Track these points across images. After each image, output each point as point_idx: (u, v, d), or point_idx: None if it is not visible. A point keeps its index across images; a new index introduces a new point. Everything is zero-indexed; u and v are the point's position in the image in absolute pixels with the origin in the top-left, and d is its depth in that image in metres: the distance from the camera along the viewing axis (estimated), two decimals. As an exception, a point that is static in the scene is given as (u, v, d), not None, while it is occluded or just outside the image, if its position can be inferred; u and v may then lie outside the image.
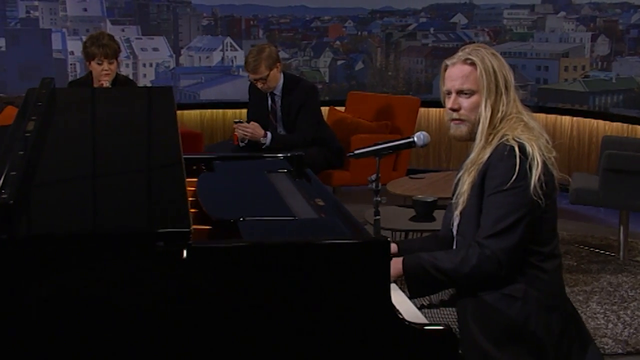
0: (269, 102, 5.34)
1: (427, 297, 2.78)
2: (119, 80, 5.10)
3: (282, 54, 9.14)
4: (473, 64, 2.55)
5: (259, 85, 5.22)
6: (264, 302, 2.04)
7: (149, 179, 2.34)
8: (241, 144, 5.23)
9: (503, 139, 2.50)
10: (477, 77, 2.53)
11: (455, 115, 2.59)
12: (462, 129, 2.59)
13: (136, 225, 2.05)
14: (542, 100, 9.06)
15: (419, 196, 4.28)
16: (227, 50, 8.63)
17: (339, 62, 9.10)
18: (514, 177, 2.41)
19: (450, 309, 2.61)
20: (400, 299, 2.52)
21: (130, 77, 8.67)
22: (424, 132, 2.91)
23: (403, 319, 2.13)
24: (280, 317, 2.05)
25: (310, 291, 2.06)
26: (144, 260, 1.98)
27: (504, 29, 9.51)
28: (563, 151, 7.37)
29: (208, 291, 2.02)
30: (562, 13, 9.55)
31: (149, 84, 8.55)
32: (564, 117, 7.48)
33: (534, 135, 2.52)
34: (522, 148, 2.44)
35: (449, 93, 2.60)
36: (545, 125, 7.86)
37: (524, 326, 2.47)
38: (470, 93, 2.55)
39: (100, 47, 4.85)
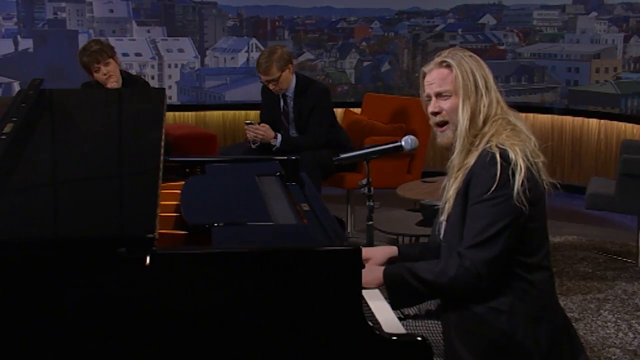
0: (281, 103, 5.31)
1: (414, 307, 2.74)
2: (130, 80, 5.11)
3: (308, 55, 9.13)
4: (449, 66, 2.50)
5: (271, 86, 5.19)
6: (228, 309, 2.01)
7: (121, 184, 2.32)
8: (253, 146, 5.20)
9: (487, 145, 2.43)
10: (454, 78, 2.48)
11: (438, 118, 2.53)
12: (448, 134, 2.53)
13: (97, 231, 2.02)
14: (572, 103, 8.91)
15: (426, 200, 4.22)
16: (252, 51, 8.62)
17: (365, 64, 9.04)
18: (495, 185, 2.35)
19: (436, 321, 2.55)
20: (381, 308, 2.46)
21: (156, 78, 8.75)
22: (411, 136, 2.85)
23: (372, 327, 2.08)
24: (246, 324, 2.02)
25: (278, 298, 2.02)
26: (107, 266, 1.96)
27: (534, 29, 9.37)
28: (589, 155, 7.23)
29: (173, 298, 1.99)
30: (594, 13, 9.39)
31: (174, 85, 8.60)
32: (591, 119, 7.33)
33: (520, 140, 2.45)
34: (504, 155, 2.37)
35: (429, 98, 2.55)
36: (571, 128, 7.70)
37: (510, 340, 2.39)
38: (448, 95, 2.50)
39: (90, 55, 4.88)
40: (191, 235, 2.40)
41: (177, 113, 7.57)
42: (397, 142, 2.86)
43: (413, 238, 4.18)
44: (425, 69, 2.57)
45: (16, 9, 8.50)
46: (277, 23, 9.04)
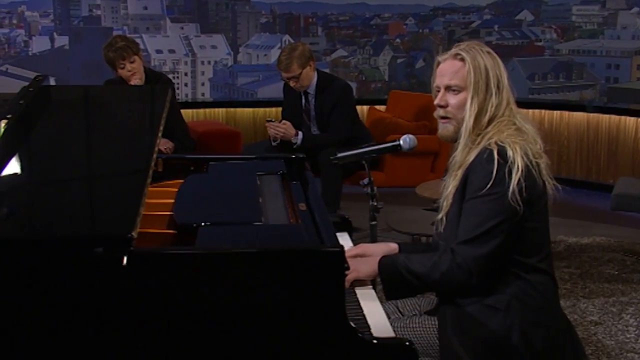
0: (303, 101, 5.28)
1: (416, 307, 2.70)
2: (152, 77, 5.13)
3: (341, 52, 9.10)
4: (463, 59, 2.43)
5: (292, 84, 5.16)
6: (206, 309, 1.99)
7: (106, 184, 2.31)
8: (273, 143, 5.18)
9: (487, 142, 2.38)
10: (466, 73, 2.42)
11: (442, 112, 2.48)
12: (449, 128, 2.48)
13: (75, 230, 2.01)
14: (612, 100, 8.74)
15: (443, 200, 4.14)
16: (285, 48, 8.63)
17: (399, 60, 8.96)
18: (491, 182, 2.30)
19: (433, 317, 2.51)
20: (373, 310, 2.42)
21: (189, 74, 8.80)
22: (410, 135, 2.80)
23: (354, 329, 2.04)
24: (224, 324, 1.99)
25: (257, 299, 1.99)
26: (84, 266, 1.94)
27: (573, 25, 9.20)
28: (626, 154, 7.07)
29: (151, 298, 1.98)
30: (636, 9, 9.20)
31: (207, 82, 8.65)
32: (628, 118, 7.15)
33: (523, 139, 2.39)
34: (502, 152, 2.32)
35: (438, 89, 2.49)
36: (608, 126, 7.54)
37: (506, 339, 2.35)
38: (458, 90, 2.43)
39: (116, 51, 4.89)
40: (181, 234, 2.38)
41: (207, 110, 7.58)
42: (395, 141, 2.81)
43: (430, 238, 4.11)
44: (440, 58, 2.52)
45: (52, 6, 8.62)
46: (310, 20, 9.02)
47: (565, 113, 7.47)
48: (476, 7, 9.27)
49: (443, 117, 2.50)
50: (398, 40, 9.21)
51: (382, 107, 6.32)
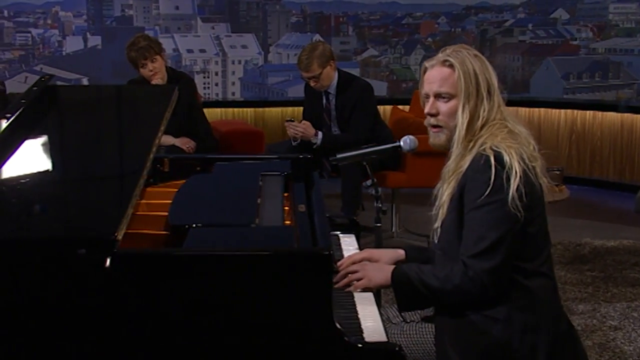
0: (324, 100, 5.25)
1: (414, 312, 2.66)
2: (174, 76, 5.16)
3: (372, 52, 9.05)
4: (452, 65, 2.38)
5: (312, 83, 5.14)
6: (189, 311, 1.98)
7: (98, 185, 2.31)
8: (294, 143, 5.17)
9: (481, 148, 2.32)
10: (455, 80, 2.36)
11: (433, 120, 2.43)
12: (441, 137, 2.43)
13: (59, 232, 2.02)
14: (649, 100, 8.56)
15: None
16: (316, 47, 8.59)
17: (431, 60, 8.85)
18: (489, 190, 2.24)
19: (431, 324, 2.47)
20: (368, 314, 2.39)
21: (219, 74, 8.82)
22: (410, 137, 2.76)
23: (341, 331, 2.02)
24: (208, 325, 1.98)
25: (241, 301, 1.99)
26: (68, 267, 1.94)
27: (609, 24, 9.02)
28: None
29: (135, 300, 1.97)
30: (675, 7, 8.99)
31: (237, 82, 8.67)
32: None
33: (517, 142, 2.33)
34: (498, 157, 2.26)
35: (427, 97, 2.44)
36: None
37: (506, 350, 2.29)
38: (448, 97, 2.38)
39: (138, 50, 4.92)
40: (173, 235, 2.38)
41: (236, 109, 7.62)
42: (396, 142, 2.78)
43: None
44: (428, 64, 2.47)
45: (86, 6, 8.72)
46: (341, 19, 8.98)
47: (599, 113, 7.37)
48: (510, 6, 9.12)
49: (434, 126, 2.45)
50: (430, 39, 9.10)
51: (407, 107, 6.28)
